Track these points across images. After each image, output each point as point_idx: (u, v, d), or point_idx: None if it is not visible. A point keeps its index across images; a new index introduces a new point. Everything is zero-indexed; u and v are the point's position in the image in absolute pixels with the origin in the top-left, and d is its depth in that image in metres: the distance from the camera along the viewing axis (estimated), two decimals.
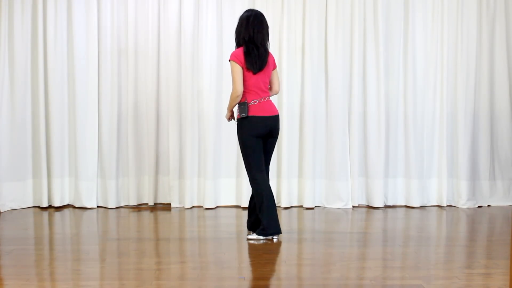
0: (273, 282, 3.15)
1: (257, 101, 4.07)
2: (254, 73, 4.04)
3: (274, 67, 4.21)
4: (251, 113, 4.03)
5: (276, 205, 5.25)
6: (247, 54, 4.02)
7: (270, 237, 4.08)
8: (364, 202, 5.43)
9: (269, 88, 4.18)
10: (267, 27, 4.15)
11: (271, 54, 4.18)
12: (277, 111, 4.16)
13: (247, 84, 4.04)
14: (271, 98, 4.20)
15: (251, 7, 5.25)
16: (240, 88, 4.01)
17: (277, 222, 4.08)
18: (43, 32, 5.16)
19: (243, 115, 4.04)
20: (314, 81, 5.29)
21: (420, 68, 5.37)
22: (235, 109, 4.19)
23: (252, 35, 4.06)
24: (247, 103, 4.04)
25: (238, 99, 4.05)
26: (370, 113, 5.31)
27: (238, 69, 4.01)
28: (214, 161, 5.26)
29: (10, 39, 5.11)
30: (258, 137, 4.07)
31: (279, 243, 4.03)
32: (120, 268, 3.40)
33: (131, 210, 5.21)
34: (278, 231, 4.08)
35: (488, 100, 5.41)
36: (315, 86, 5.29)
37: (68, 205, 5.32)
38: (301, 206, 5.32)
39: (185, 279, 3.19)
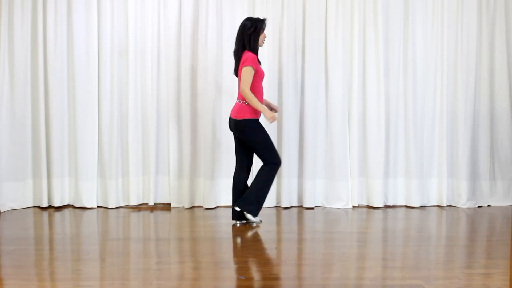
0: (273, 282, 3.14)
1: None
2: (236, 76, 4.59)
3: (241, 67, 4.42)
4: None
5: (276, 204, 5.29)
6: None
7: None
8: (364, 202, 5.43)
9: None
10: (240, 31, 4.49)
11: (243, 55, 4.43)
12: (234, 114, 4.46)
13: None
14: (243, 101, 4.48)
15: (251, 7, 5.27)
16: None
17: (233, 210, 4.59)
18: (43, 32, 5.16)
19: None
20: (314, 81, 5.29)
21: (420, 68, 5.37)
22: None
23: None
24: None
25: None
26: (370, 113, 5.31)
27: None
28: (214, 161, 5.26)
29: (10, 39, 5.11)
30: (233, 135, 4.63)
31: (279, 243, 4.04)
32: (120, 268, 3.39)
33: (131, 210, 5.21)
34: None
35: (488, 100, 5.41)
36: (315, 86, 5.29)
37: (68, 205, 5.32)
38: (301, 206, 5.32)
39: (185, 279, 3.19)
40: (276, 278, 3.23)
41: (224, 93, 5.27)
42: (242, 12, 5.24)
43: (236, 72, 4.53)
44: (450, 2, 5.33)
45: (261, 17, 4.64)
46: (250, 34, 4.44)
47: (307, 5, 5.26)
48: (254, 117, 4.45)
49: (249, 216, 4.49)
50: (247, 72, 4.35)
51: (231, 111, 4.54)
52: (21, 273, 3.26)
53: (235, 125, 4.49)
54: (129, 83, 5.25)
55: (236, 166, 4.65)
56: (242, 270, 3.38)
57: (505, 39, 5.40)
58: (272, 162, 4.47)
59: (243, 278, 3.21)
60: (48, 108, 5.21)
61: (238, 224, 4.57)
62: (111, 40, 5.24)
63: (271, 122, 4.44)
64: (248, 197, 4.48)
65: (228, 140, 5.27)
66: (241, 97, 4.46)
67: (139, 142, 5.31)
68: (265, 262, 3.57)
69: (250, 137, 4.47)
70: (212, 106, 5.23)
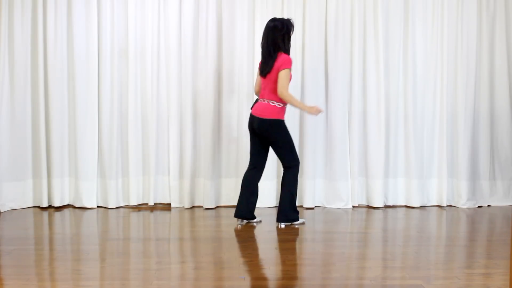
0: (273, 282, 3.14)
1: (257, 101, 4.52)
2: (262, 76, 4.46)
3: (278, 70, 4.34)
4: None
5: (277, 204, 5.29)
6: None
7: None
8: (364, 202, 5.43)
9: (273, 91, 4.42)
10: (272, 33, 4.40)
11: (279, 57, 4.36)
12: (260, 113, 4.41)
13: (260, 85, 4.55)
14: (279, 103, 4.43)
15: (251, 7, 5.27)
16: (255, 88, 4.63)
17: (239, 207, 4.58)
18: (43, 32, 5.16)
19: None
20: (314, 81, 5.29)
21: (420, 68, 5.37)
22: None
23: (262, 44, 4.47)
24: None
25: (256, 96, 4.65)
26: (370, 113, 5.31)
27: (258, 72, 4.55)
28: (214, 161, 5.26)
29: (10, 39, 5.11)
30: (251, 131, 4.54)
31: (279, 243, 4.04)
32: (120, 268, 3.39)
33: (131, 210, 5.20)
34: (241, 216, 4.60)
35: (488, 100, 5.41)
36: (315, 86, 5.29)
37: (68, 205, 5.32)
38: (301, 206, 5.32)
39: (185, 279, 3.19)
40: (276, 278, 3.23)
41: (224, 93, 5.27)
42: (242, 12, 5.24)
43: (265, 73, 4.41)
44: (450, 2, 5.33)
45: (286, 17, 4.67)
46: (283, 35, 4.40)
47: (307, 5, 5.26)
48: (280, 118, 4.44)
49: (295, 223, 4.53)
50: (286, 75, 4.30)
51: (255, 110, 4.46)
52: (21, 273, 3.26)
53: (259, 123, 4.41)
54: (129, 83, 5.25)
55: (249, 165, 4.58)
56: (242, 270, 3.38)
57: (505, 39, 5.40)
58: (293, 165, 4.48)
59: (243, 278, 3.21)
60: (48, 108, 5.21)
61: (239, 226, 4.56)
62: (111, 40, 5.24)
63: (317, 115, 4.51)
64: (284, 209, 4.49)
65: (228, 139, 5.27)
66: (268, 97, 4.41)
67: (139, 142, 5.31)
68: (265, 262, 3.56)
69: (275, 137, 4.44)
70: (212, 106, 5.23)
